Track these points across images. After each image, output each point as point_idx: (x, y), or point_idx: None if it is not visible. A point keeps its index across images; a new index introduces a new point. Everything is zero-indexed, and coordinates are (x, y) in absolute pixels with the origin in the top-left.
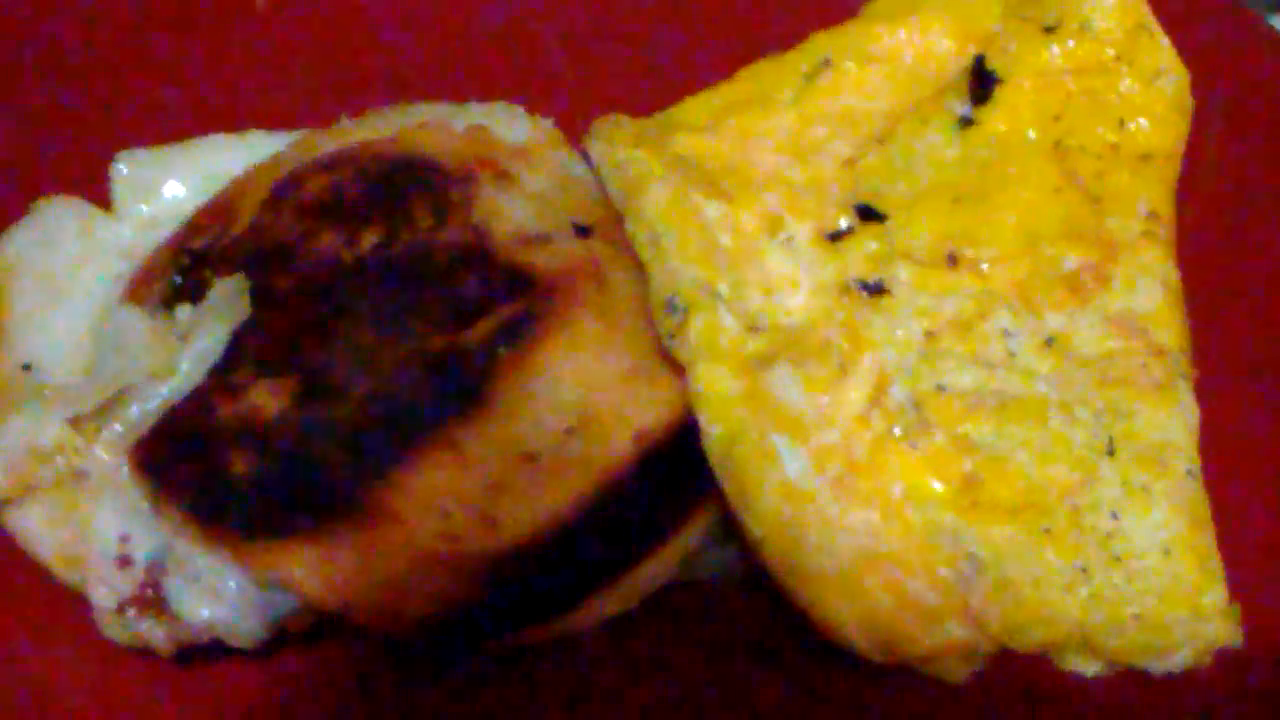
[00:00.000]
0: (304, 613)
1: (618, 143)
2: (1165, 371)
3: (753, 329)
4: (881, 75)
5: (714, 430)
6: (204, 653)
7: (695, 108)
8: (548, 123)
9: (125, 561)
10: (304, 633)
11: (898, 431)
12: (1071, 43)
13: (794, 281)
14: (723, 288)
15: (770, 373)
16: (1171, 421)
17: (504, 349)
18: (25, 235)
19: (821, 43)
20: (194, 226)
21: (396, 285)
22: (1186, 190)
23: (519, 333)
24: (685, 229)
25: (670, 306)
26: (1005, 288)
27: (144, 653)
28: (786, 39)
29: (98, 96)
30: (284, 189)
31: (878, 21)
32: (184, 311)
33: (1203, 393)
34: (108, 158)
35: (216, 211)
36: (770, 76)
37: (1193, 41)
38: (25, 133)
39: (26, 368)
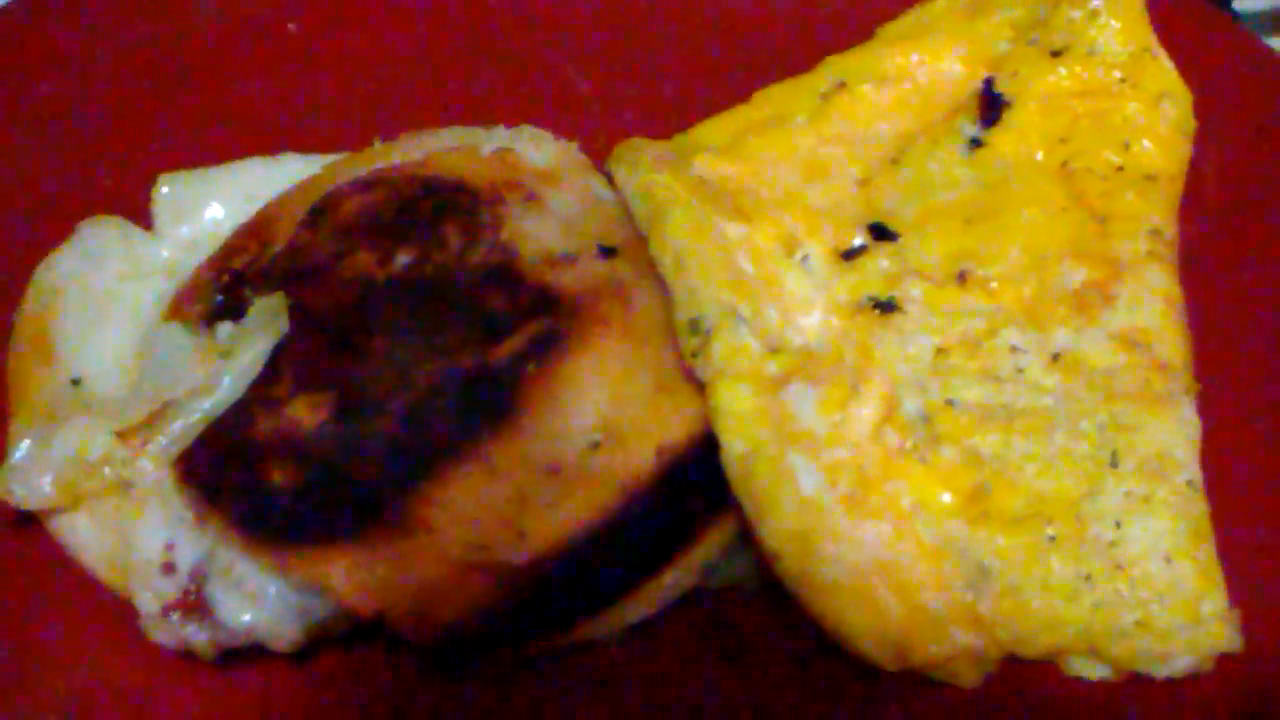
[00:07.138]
0: (340, 617)
1: (641, 166)
2: (1167, 385)
3: (772, 349)
4: (894, 97)
5: (733, 446)
6: (244, 656)
7: (713, 130)
8: (572, 146)
9: (169, 568)
10: (340, 637)
11: (909, 445)
12: (1078, 67)
13: (809, 301)
14: (744, 309)
15: (787, 391)
16: (1173, 434)
17: (531, 366)
18: (71, 254)
19: (836, 65)
20: (233, 246)
21: (428, 303)
22: (1188, 208)
23: (546, 350)
24: (708, 251)
25: (694, 327)
26: (1013, 305)
27: (186, 656)
28: (801, 62)
29: (137, 121)
30: (321, 210)
31: (890, 45)
32: (225, 329)
33: (1204, 405)
34: (147, 181)
35: (255, 231)
36: (786, 99)
37: (1195, 64)
38: (67, 157)
39: (75, 382)
